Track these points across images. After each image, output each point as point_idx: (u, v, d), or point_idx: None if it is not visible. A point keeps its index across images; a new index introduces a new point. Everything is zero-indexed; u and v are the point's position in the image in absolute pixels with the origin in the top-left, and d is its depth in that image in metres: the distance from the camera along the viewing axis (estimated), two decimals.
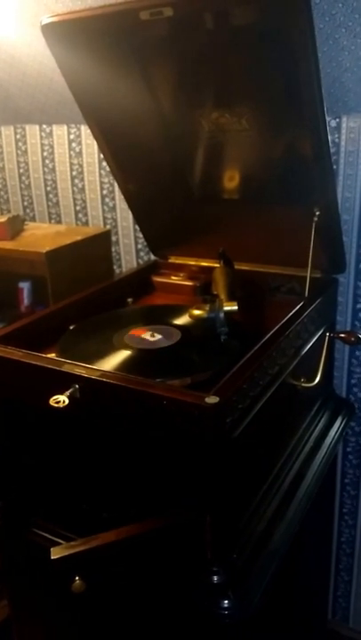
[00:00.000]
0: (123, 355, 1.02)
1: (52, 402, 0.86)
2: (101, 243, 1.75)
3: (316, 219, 1.10)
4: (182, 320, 1.15)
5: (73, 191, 1.83)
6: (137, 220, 1.50)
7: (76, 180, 1.81)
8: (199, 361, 1.02)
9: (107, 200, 1.77)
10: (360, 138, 1.32)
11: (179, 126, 1.21)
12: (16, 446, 1.06)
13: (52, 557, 0.87)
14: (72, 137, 1.76)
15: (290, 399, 1.09)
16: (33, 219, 1.96)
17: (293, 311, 1.06)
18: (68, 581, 0.93)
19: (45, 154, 1.84)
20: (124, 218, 1.75)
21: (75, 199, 1.84)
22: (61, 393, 0.87)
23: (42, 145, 1.84)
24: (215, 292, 1.09)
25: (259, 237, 1.27)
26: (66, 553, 0.88)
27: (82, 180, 1.79)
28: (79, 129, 1.74)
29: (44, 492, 1.06)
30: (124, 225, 1.76)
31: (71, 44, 1.06)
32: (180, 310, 1.19)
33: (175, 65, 1.12)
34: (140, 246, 1.75)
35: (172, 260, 1.47)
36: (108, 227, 1.79)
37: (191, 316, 1.02)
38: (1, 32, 1.52)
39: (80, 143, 1.75)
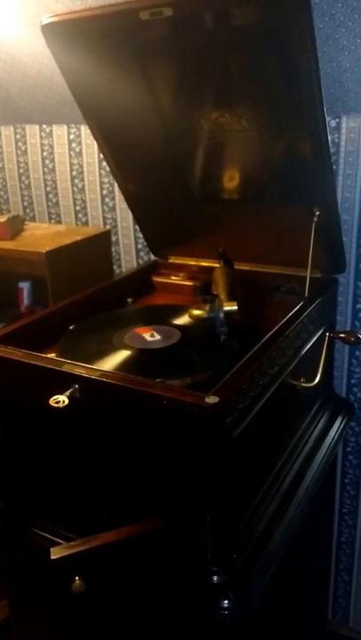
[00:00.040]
0: (123, 355, 1.02)
1: (51, 402, 0.86)
2: (101, 243, 1.75)
3: (316, 219, 1.10)
4: (182, 320, 1.15)
5: (73, 191, 1.83)
6: (137, 220, 1.50)
7: (76, 180, 1.81)
8: (199, 361, 1.02)
9: (107, 200, 1.77)
10: (360, 138, 1.32)
11: (179, 126, 1.21)
12: (16, 446, 1.06)
13: (52, 557, 0.87)
14: (72, 137, 1.76)
15: (290, 399, 1.09)
16: (33, 219, 1.96)
17: (293, 311, 1.06)
18: (68, 581, 0.93)
19: (45, 154, 1.84)
20: (124, 218, 1.75)
21: (75, 199, 1.84)
22: (61, 393, 0.87)
23: (42, 145, 1.84)
24: (215, 292, 1.09)
25: (259, 237, 1.27)
26: (66, 553, 0.88)
27: (82, 180, 1.79)
28: (79, 129, 1.74)
29: (43, 492, 1.06)
30: (123, 225, 1.76)
31: (71, 44, 1.06)
32: (180, 310, 1.19)
33: (175, 65, 1.12)
34: (140, 246, 1.75)
35: (172, 260, 1.47)
36: (107, 227, 1.79)
37: (191, 316, 1.02)
38: (1, 32, 1.52)
39: (80, 143, 1.75)
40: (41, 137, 1.83)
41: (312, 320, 1.11)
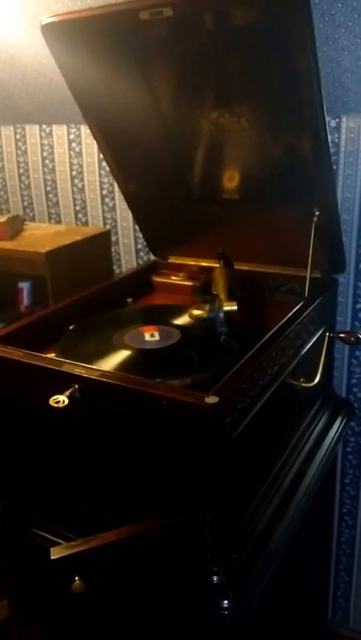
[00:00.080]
0: (122, 355, 1.02)
1: (51, 402, 0.86)
2: (101, 243, 1.75)
3: (315, 219, 1.10)
4: (182, 320, 1.15)
5: (73, 191, 1.83)
6: (137, 220, 1.50)
7: (76, 180, 1.81)
8: (199, 361, 1.02)
9: (106, 200, 1.77)
10: (360, 138, 1.32)
11: (179, 126, 1.21)
12: (16, 446, 1.06)
13: (52, 557, 0.87)
14: (72, 137, 1.76)
15: (290, 399, 1.09)
16: (33, 219, 1.96)
17: (293, 311, 1.06)
18: (68, 581, 0.93)
19: (45, 154, 1.84)
20: (124, 218, 1.75)
21: (74, 199, 1.84)
22: (61, 393, 0.87)
23: (42, 145, 1.84)
24: (215, 292, 1.09)
25: (259, 237, 1.27)
26: (66, 553, 0.88)
27: (82, 180, 1.79)
28: (79, 129, 1.74)
29: (43, 492, 1.06)
30: (123, 225, 1.76)
31: (71, 44, 1.06)
32: (179, 310, 1.19)
33: (175, 65, 1.12)
34: (139, 246, 1.75)
35: (172, 260, 1.47)
36: (107, 227, 1.79)
37: (191, 316, 1.02)
38: (1, 32, 1.52)
39: (80, 143, 1.75)
40: (41, 137, 1.83)
41: (312, 320, 1.11)
